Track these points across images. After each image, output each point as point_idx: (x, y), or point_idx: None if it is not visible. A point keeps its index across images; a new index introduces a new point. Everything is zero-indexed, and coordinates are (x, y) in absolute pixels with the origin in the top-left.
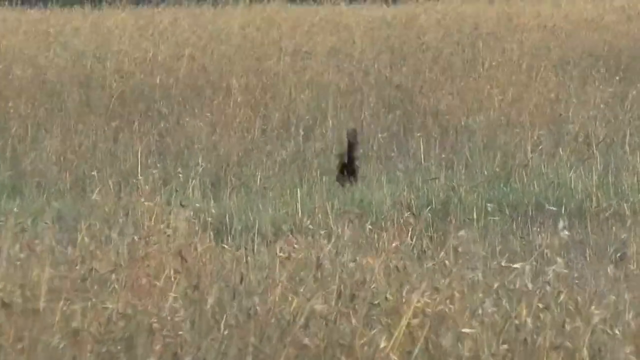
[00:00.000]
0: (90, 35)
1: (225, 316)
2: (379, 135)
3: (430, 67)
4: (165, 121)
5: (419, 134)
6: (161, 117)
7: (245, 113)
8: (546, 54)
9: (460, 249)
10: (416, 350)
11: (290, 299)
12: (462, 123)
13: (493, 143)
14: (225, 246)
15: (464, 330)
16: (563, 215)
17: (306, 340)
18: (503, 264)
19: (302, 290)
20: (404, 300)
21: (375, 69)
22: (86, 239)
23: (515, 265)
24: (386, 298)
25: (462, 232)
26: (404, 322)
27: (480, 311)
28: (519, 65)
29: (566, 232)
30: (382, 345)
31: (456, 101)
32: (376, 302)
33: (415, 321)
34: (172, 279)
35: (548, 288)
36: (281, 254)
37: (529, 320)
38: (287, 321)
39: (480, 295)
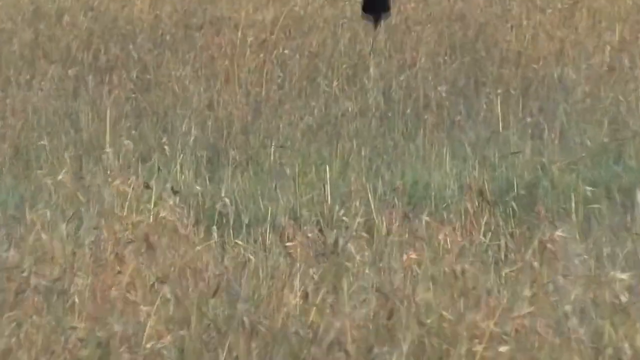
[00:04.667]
0: None
1: (227, 341)
2: (440, 90)
3: None
4: (145, 70)
5: (495, 90)
6: (139, 65)
7: (255, 59)
8: None
9: (552, 250)
10: None
11: (313, 316)
12: (555, 74)
13: (598, 103)
14: (227, 245)
15: None
16: None
17: None
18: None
19: (330, 302)
20: (468, 320)
21: None
22: (33, 235)
23: (622, 276)
24: (442, 315)
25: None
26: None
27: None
28: None
29: None
30: None
31: (546, 43)
32: (428, 320)
33: (480, 347)
34: (154, 290)
35: None
36: (292, 251)
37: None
38: (308, 345)
39: (573, 314)
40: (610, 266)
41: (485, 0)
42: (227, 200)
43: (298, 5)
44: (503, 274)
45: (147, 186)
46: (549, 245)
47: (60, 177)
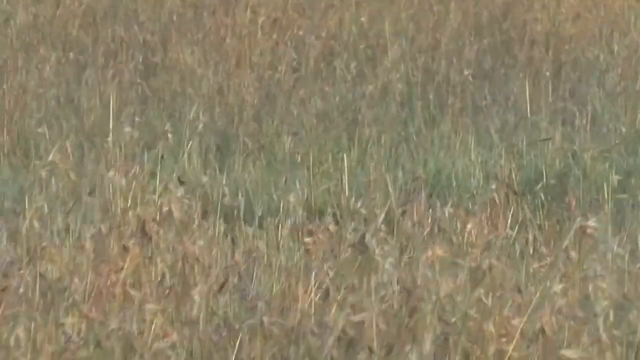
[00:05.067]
0: None
1: (238, 339)
2: (465, 74)
3: None
4: (151, 53)
5: (524, 74)
6: (145, 47)
7: (267, 40)
8: None
9: (583, 243)
10: None
11: (330, 313)
12: (588, 55)
13: (633, 86)
14: (239, 238)
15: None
16: None
17: None
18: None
19: (348, 299)
20: (495, 318)
21: None
22: (34, 227)
23: None
24: (466, 314)
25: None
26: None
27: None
28: None
29: None
30: None
31: (578, 24)
32: (453, 320)
33: (509, 347)
34: (159, 286)
35: None
36: (310, 247)
37: None
38: (323, 344)
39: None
40: None
41: None
42: (226, 189)
43: None
44: (531, 270)
45: (154, 176)
46: (587, 233)
47: (60, 166)
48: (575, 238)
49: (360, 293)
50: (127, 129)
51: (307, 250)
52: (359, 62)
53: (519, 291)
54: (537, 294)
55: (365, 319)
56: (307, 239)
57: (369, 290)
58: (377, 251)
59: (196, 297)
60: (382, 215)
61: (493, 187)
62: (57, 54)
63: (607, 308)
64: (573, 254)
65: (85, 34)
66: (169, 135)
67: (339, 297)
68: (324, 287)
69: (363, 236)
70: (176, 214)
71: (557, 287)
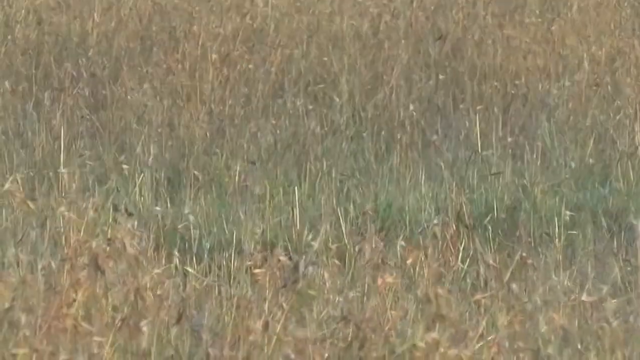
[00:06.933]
0: None
1: None
2: (415, 108)
3: (489, 8)
4: (101, 87)
5: (474, 108)
6: (94, 81)
7: (217, 74)
8: None
9: (534, 277)
10: None
11: (278, 346)
12: (538, 91)
13: (583, 121)
14: (189, 270)
15: None
16: None
17: None
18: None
19: (298, 333)
20: (440, 348)
21: (409, 11)
22: None
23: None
24: (415, 345)
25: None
26: None
27: None
28: (621, 5)
29: None
30: None
31: (528, 59)
32: (400, 349)
33: None
34: (111, 320)
35: None
36: (260, 278)
37: None
38: None
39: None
40: (594, 292)
41: (463, 16)
42: (191, 217)
43: (259, 16)
44: (482, 301)
45: (105, 209)
46: (529, 272)
47: (17, 196)
48: (522, 271)
49: (308, 326)
50: (79, 161)
51: (257, 281)
52: (308, 95)
53: (466, 322)
54: (484, 325)
55: (314, 352)
56: (257, 271)
57: (319, 322)
58: (328, 284)
59: (146, 329)
60: (327, 249)
61: (435, 221)
62: (4, 87)
63: (556, 339)
64: (514, 286)
65: (33, 68)
66: (123, 167)
67: (285, 331)
68: (275, 319)
69: (313, 269)
70: (128, 247)
71: (505, 319)
